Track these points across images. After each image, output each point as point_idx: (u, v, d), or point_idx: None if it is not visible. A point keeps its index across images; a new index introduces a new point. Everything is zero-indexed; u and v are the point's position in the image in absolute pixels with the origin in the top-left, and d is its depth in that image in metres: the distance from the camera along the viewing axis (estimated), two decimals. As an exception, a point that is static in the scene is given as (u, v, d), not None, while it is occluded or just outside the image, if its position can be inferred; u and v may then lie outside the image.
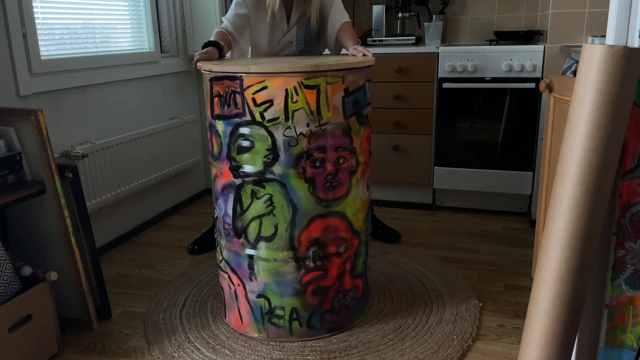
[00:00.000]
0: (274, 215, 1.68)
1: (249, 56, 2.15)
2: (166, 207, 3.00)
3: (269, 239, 1.70)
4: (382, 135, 2.92)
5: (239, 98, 1.62)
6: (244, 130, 1.64)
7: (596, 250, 1.03)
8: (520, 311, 1.93)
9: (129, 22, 2.68)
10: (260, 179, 1.66)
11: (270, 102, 1.59)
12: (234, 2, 2.06)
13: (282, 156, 1.62)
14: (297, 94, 1.58)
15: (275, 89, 1.57)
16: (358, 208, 1.78)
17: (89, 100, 2.37)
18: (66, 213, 1.76)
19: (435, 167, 2.90)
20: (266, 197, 1.67)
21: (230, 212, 1.74)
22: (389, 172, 2.97)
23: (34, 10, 2.07)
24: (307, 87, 1.57)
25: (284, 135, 1.61)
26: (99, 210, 2.44)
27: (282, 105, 1.58)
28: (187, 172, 3.18)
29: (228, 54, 2.06)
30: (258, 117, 1.61)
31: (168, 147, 2.87)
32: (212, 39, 1.91)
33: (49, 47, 2.19)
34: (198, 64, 1.74)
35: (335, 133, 1.64)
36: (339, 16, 2.08)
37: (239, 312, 1.82)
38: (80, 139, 2.34)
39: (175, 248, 2.58)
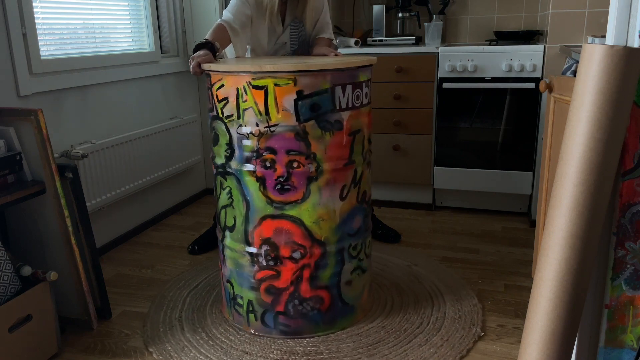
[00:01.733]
0: (233, 208, 1.76)
1: (249, 52, 2.18)
2: (166, 207, 3.00)
3: (230, 229, 1.80)
4: (382, 135, 2.92)
5: (210, 94, 1.73)
6: (214, 124, 1.76)
7: (596, 250, 1.03)
8: (520, 311, 1.93)
9: (129, 22, 2.68)
10: (224, 171, 1.75)
11: (226, 100, 1.66)
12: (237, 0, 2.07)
13: (237, 152, 1.69)
14: (246, 94, 1.62)
15: (230, 87, 1.65)
16: (321, 217, 1.70)
17: (89, 100, 2.37)
18: (66, 213, 1.76)
19: (435, 167, 2.90)
20: (228, 189, 1.75)
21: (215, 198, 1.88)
22: (389, 172, 2.97)
23: (34, 10, 2.07)
24: (255, 87, 1.60)
25: (237, 133, 1.67)
26: (99, 210, 2.44)
27: (235, 103, 1.64)
28: (187, 172, 3.18)
29: (228, 51, 2.09)
30: (219, 113, 1.70)
31: (168, 147, 2.87)
32: (208, 36, 1.91)
33: (49, 47, 2.19)
34: (198, 66, 1.72)
35: (286, 136, 1.63)
36: (319, 31, 2.21)
37: (222, 292, 1.97)
38: (80, 139, 2.34)
39: (175, 248, 2.58)
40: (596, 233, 1.00)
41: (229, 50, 2.14)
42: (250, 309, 1.81)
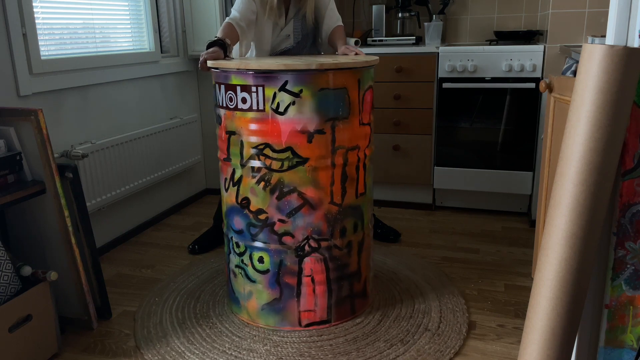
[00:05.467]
0: None
1: (252, 49, 2.21)
2: (166, 207, 3.00)
3: None
4: (382, 135, 2.92)
5: None
6: None
7: (596, 250, 1.03)
8: (520, 311, 1.93)
9: (129, 22, 2.68)
10: None
11: None
12: None
13: None
14: None
15: None
16: (224, 199, 1.91)
17: (89, 100, 2.37)
18: (66, 213, 1.76)
19: (435, 167, 2.90)
20: None
21: None
22: (389, 172, 2.97)
23: (34, 10, 2.07)
24: None
25: None
26: (99, 210, 2.44)
27: None
28: (187, 172, 3.18)
29: (235, 47, 2.11)
30: None
31: (168, 147, 2.87)
32: (219, 34, 1.96)
33: (49, 47, 2.19)
34: (207, 63, 1.78)
35: None
36: (331, 20, 2.21)
37: None
38: (80, 139, 2.34)
39: (175, 248, 2.58)
40: (596, 233, 1.00)
41: (234, 50, 2.15)
42: None
